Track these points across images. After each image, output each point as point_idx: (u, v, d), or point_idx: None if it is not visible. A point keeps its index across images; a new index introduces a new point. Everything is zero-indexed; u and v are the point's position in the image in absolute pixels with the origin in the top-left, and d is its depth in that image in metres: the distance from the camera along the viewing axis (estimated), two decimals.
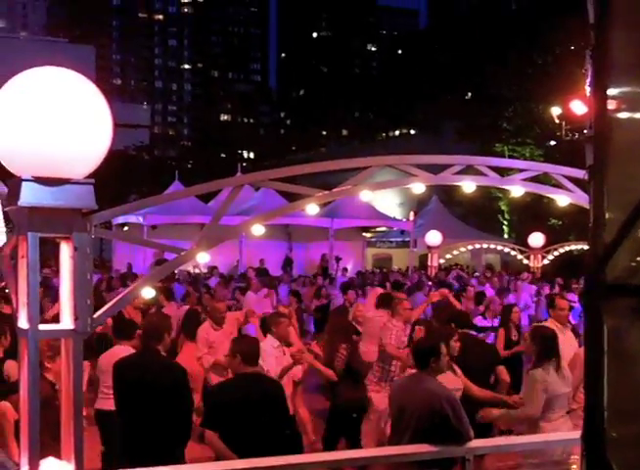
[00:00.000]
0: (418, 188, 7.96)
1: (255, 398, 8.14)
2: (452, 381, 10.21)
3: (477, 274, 31.48)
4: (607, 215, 3.05)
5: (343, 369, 12.03)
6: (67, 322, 5.36)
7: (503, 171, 8.42)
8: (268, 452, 7.77)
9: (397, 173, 7.79)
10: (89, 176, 5.30)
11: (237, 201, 7.18)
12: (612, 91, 3.08)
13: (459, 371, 10.51)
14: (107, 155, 5.36)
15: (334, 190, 7.49)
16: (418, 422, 7.89)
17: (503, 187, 8.99)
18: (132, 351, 10.82)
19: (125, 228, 38.31)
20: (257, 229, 7.17)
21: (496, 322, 15.70)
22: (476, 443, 7.77)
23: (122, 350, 10.85)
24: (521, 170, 8.30)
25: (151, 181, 68.71)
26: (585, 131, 3.24)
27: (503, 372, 11.73)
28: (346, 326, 13.32)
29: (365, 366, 12.86)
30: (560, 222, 44.96)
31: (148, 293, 6.41)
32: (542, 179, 8.77)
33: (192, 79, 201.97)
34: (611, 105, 3.08)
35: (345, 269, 35.00)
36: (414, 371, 8.74)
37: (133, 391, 8.62)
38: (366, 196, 7.69)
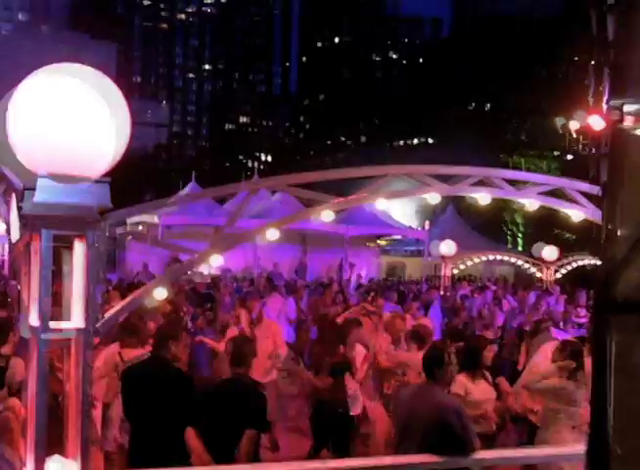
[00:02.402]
0: (433, 198, 7.97)
1: (230, 396, 8.21)
2: (485, 390, 10.25)
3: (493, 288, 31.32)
4: (619, 232, 3.06)
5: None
6: (77, 320, 5.38)
7: (519, 183, 8.42)
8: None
9: (413, 182, 7.80)
10: (105, 175, 5.31)
11: (252, 203, 7.20)
12: (628, 108, 3.09)
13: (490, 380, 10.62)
14: (124, 153, 5.36)
15: (350, 197, 7.49)
16: (425, 432, 7.88)
17: (518, 200, 8.99)
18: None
19: (140, 227, 38.38)
20: (272, 234, 7.19)
21: None
22: (482, 454, 7.77)
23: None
24: (536, 184, 8.30)
25: (167, 180, 68.90)
26: (600, 147, 3.25)
27: (503, 383, 11.70)
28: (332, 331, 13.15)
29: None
30: (573, 236, 44.90)
31: (161, 294, 6.41)
32: (557, 193, 8.76)
33: (212, 80, 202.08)
34: (627, 122, 3.09)
35: (360, 276, 35.01)
36: (421, 381, 8.75)
37: (140, 397, 8.66)
38: (382, 204, 7.69)
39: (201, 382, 13.53)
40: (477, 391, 10.13)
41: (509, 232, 55.01)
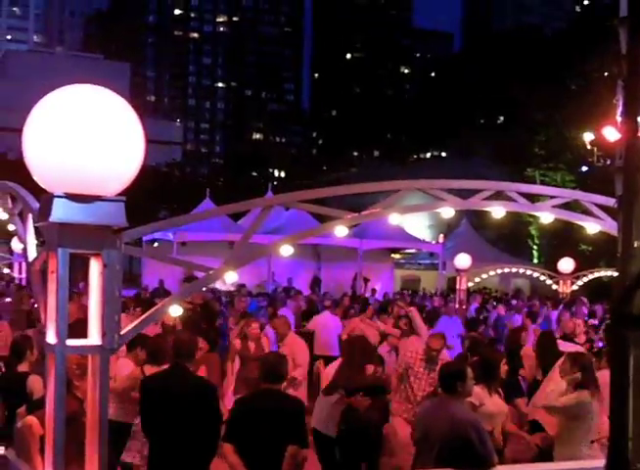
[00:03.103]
0: (447, 213, 7.96)
1: (272, 413, 8.10)
2: (498, 404, 10.15)
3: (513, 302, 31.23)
4: (635, 246, 3.04)
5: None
6: (94, 338, 5.38)
7: (534, 197, 8.40)
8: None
9: (427, 197, 7.79)
10: (120, 193, 5.33)
11: (267, 219, 7.21)
12: None
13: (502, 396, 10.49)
14: (139, 171, 5.38)
15: (363, 212, 7.49)
16: (442, 446, 7.84)
17: (533, 213, 8.97)
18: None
19: (155, 244, 38.41)
20: (286, 250, 7.18)
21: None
22: (500, 469, 7.73)
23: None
24: (551, 197, 8.28)
25: (181, 198, 68.89)
26: (616, 160, 3.23)
27: (521, 404, 11.56)
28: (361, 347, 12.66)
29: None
30: (590, 248, 44.74)
31: (176, 310, 6.42)
32: (572, 206, 8.75)
33: (225, 98, 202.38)
34: None
35: (374, 291, 34.93)
36: (440, 394, 8.70)
37: (162, 408, 8.57)
38: (395, 219, 7.69)
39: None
40: (490, 403, 10.04)
41: (525, 244, 54.85)
